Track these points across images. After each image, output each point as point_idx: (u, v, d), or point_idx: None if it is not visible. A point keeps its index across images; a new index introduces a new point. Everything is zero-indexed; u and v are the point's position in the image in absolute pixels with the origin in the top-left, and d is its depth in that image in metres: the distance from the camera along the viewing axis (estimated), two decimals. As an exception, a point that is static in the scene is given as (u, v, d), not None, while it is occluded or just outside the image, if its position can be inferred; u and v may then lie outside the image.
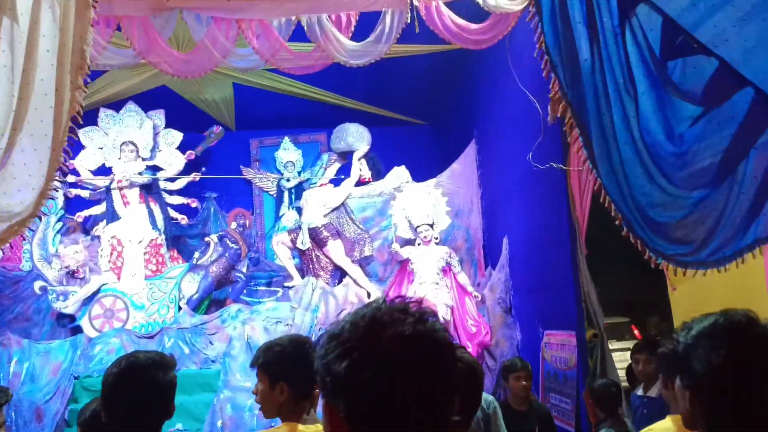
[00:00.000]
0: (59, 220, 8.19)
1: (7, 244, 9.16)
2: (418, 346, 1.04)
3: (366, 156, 8.01)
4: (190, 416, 6.70)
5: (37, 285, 7.97)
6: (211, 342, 7.28)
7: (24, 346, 6.92)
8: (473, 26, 5.01)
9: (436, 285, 6.90)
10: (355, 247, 7.72)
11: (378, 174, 8.04)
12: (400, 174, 7.81)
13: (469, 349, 6.55)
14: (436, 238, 7.13)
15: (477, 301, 6.96)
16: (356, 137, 7.93)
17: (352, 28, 5.17)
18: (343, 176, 8.01)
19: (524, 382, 4.31)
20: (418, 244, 7.12)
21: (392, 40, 5.02)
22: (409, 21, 4.83)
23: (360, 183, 7.97)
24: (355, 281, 7.56)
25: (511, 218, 6.53)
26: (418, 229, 7.04)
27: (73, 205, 8.92)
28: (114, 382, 2.13)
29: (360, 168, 7.93)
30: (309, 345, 2.22)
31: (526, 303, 6.02)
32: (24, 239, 8.38)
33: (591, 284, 4.79)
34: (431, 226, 7.06)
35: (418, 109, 9.73)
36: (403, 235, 7.29)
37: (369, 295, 7.53)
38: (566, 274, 4.75)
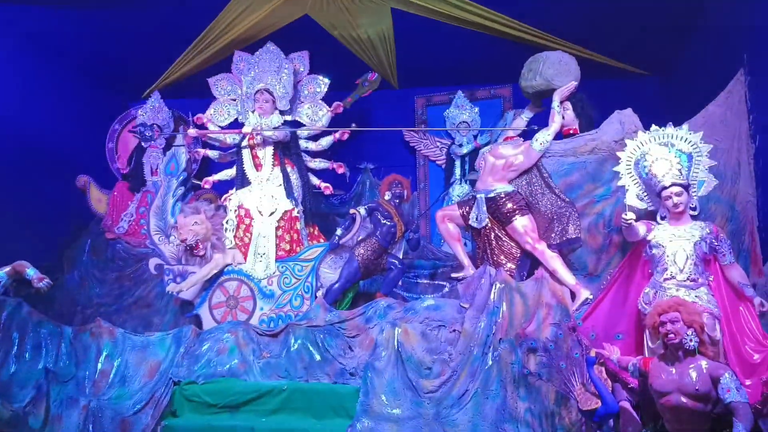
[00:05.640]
0: (181, 184, 6.70)
1: (132, 216, 8.06)
2: None
3: (572, 97, 5.61)
4: (318, 449, 4.83)
5: (153, 263, 6.54)
6: (350, 347, 5.35)
7: (117, 337, 5.42)
8: None
9: (692, 283, 4.34)
10: (554, 225, 5.34)
11: (589, 123, 5.59)
12: (624, 120, 5.31)
13: (746, 391, 3.90)
14: (693, 209, 4.57)
15: (762, 311, 4.29)
16: (559, 69, 5.54)
17: None
18: (536, 127, 5.67)
19: None
20: (663, 218, 4.60)
21: None
22: None
23: (563, 135, 5.59)
24: (552, 274, 5.20)
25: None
26: (664, 194, 4.51)
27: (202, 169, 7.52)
28: None
29: (563, 114, 5.55)
30: None
31: None
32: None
33: None
34: (686, 189, 4.51)
35: (642, 54, 7.18)
36: (635, 205, 4.80)
37: (573, 295, 5.14)
38: None
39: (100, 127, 8.24)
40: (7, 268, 4.79)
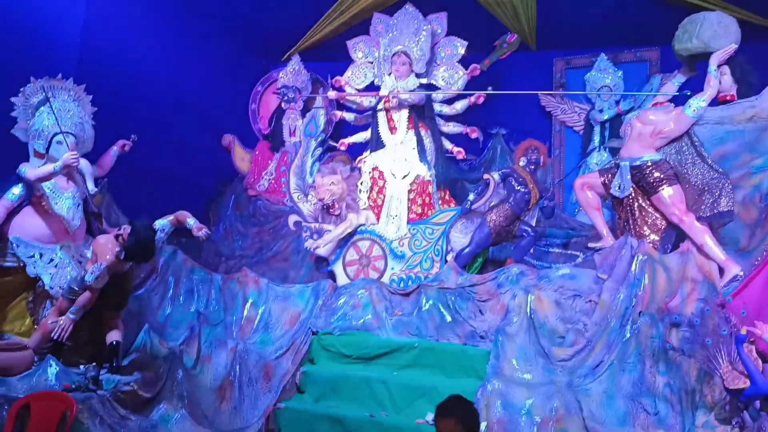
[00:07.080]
0: (319, 145, 6.93)
1: (272, 174, 8.44)
2: None
3: (731, 61, 5.21)
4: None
5: (292, 219, 6.86)
6: (481, 311, 5.39)
7: (262, 287, 5.78)
8: None
9: None
10: (705, 197, 5.05)
11: (749, 89, 5.18)
12: (790, 86, 4.89)
13: None
14: None
15: None
16: (718, 31, 5.14)
17: None
18: (689, 92, 5.33)
19: None
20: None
21: None
22: None
23: (718, 102, 5.23)
24: (700, 248, 4.94)
25: None
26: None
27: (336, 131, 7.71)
28: None
29: (720, 79, 5.17)
30: None
31: None
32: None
33: None
34: None
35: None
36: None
37: (721, 271, 4.87)
38: None
39: (243, 89, 8.65)
40: (170, 217, 5.19)
